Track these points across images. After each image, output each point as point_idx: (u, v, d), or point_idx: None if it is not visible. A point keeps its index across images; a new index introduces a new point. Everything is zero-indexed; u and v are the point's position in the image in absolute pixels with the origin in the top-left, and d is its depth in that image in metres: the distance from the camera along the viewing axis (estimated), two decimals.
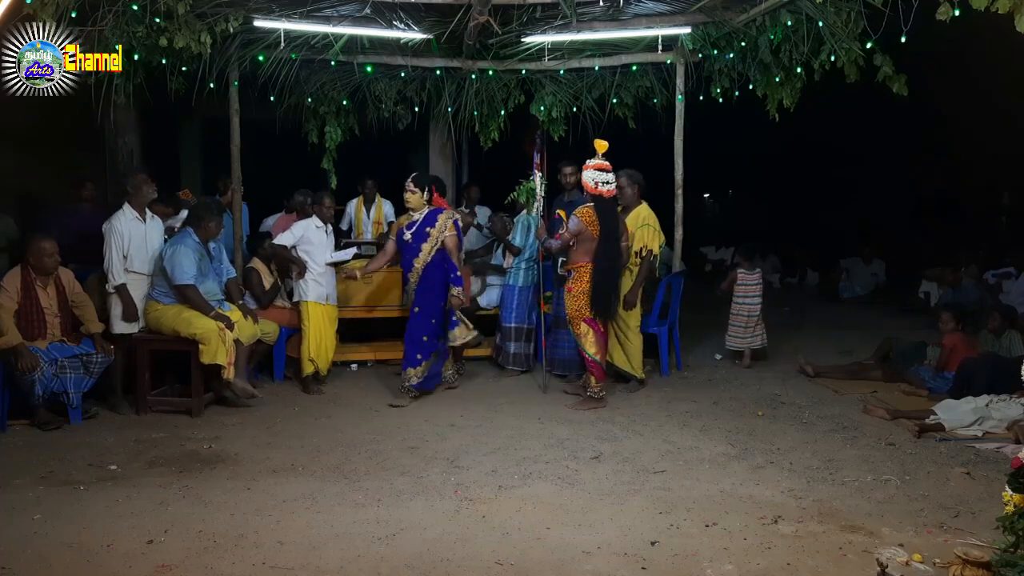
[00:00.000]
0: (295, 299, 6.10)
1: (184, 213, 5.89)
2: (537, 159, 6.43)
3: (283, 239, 6.00)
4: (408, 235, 5.71)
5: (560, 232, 5.53)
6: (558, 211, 6.08)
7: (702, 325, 8.40)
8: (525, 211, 6.54)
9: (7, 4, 3.88)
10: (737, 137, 11.89)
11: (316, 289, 5.99)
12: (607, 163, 5.46)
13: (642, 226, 5.92)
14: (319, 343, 5.96)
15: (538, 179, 6.33)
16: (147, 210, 5.48)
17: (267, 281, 6.29)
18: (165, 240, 5.55)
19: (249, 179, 6.83)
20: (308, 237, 5.98)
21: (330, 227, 6.18)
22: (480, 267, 7.11)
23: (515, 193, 6.54)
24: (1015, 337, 6.00)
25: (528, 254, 6.47)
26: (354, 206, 8.30)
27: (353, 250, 6.34)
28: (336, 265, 6.17)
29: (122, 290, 5.28)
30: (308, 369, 5.94)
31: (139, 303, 5.38)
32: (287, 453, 4.52)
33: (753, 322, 6.85)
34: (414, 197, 5.71)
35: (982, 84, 9.09)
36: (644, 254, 5.90)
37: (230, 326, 5.24)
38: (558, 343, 6.29)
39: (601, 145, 5.48)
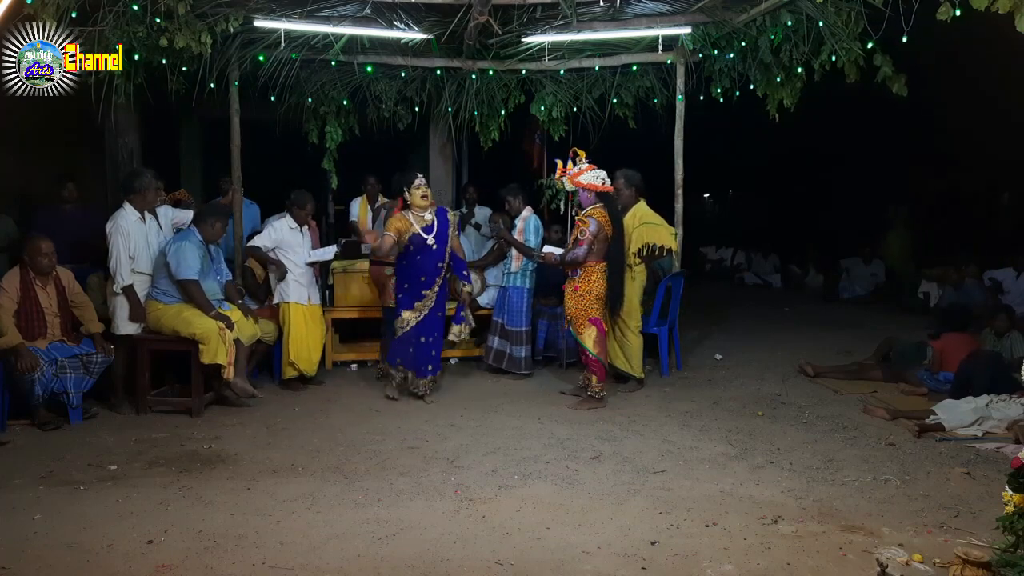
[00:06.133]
0: (275, 301, 6.06)
1: (185, 212, 5.88)
2: (550, 161, 6.32)
3: (258, 240, 5.99)
4: (431, 239, 5.52)
5: (582, 239, 5.37)
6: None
7: (702, 325, 8.40)
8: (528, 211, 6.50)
9: (7, 4, 3.87)
10: (738, 137, 11.88)
11: (297, 290, 5.96)
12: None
13: (640, 225, 5.89)
14: (300, 345, 5.92)
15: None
16: (146, 212, 5.45)
17: (262, 279, 6.29)
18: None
19: (249, 179, 6.82)
20: (283, 239, 5.97)
21: (307, 228, 6.13)
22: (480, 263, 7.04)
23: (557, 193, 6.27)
24: (1017, 338, 6.00)
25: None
26: (358, 204, 8.29)
27: (334, 248, 6.29)
28: (316, 264, 6.15)
29: (129, 291, 5.26)
30: (288, 373, 5.93)
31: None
32: (287, 453, 4.52)
33: None
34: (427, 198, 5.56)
35: (982, 84, 9.08)
36: (645, 253, 5.89)
37: (230, 326, 5.24)
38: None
39: (581, 152, 5.61)
